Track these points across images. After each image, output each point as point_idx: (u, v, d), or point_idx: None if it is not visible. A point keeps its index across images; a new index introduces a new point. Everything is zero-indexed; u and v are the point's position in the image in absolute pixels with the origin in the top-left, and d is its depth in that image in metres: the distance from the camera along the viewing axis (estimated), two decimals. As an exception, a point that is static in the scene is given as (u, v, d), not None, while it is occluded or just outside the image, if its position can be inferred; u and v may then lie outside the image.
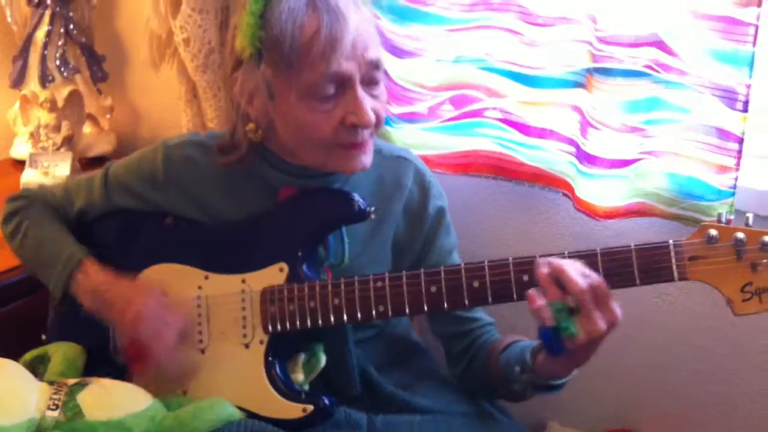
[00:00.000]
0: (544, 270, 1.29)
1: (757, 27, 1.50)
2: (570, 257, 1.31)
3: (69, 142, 2.47)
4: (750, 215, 1.28)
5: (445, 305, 1.38)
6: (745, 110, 1.56)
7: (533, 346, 1.42)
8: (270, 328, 1.45)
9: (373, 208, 1.47)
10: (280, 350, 1.47)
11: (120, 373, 1.50)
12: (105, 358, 1.57)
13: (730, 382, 1.82)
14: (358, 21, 1.37)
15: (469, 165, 1.94)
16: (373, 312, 1.40)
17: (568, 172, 1.81)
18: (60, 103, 2.44)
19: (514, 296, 1.33)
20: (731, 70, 1.55)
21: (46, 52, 2.41)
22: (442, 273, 1.37)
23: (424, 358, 1.69)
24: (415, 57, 1.91)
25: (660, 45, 1.61)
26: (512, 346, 1.51)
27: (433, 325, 1.65)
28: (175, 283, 1.53)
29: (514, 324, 1.45)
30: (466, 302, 1.37)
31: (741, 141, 1.58)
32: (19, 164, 2.49)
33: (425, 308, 1.38)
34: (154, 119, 2.67)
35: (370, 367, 1.58)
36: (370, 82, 1.40)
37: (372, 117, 1.38)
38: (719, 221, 1.28)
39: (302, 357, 1.48)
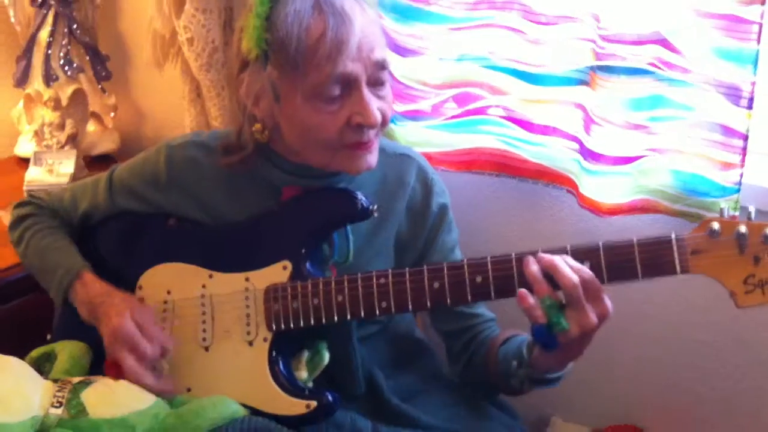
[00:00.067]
0: (533, 267, 1.30)
1: (761, 25, 1.50)
2: (572, 251, 1.32)
3: (73, 140, 2.47)
4: (752, 209, 1.29)
5: (448, 301, 1.38)
6: (750, 107, 1.55)
7: (529, 341, 1.43)
8: (274, 325, 1.45)
9: (376, 206, 1.47)
10: (284, 348, 1.47)
11: (124, 372, 1.50)
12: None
13: (733, 378, 1.82)
14: (364, 23, 1.37)
15: (472, 162, 1.94)
16: (377, 308, 1.40)
17: (572, 169, 1.81)
18: (64, 102, 2.45)
19: (517, 291, 1.33)
20: (735, 68, 1.54)
21: (49, 51, 2.42)
22: (445, 269, 1.38)
23: (427, 358, 1.70)
24: (418, 55, 1.91)
25: (663, 43, 1.61)
26: (510, 340, 1.53)
27: (434, 321, 1.65)
28: (179, 282, 1.53)
29: (515, 319, 1.45)
30: (469, 297, 1.37)
31: (746, 138, 1.57)
32: (24, 162, 2.50)
33: (428, 304, 1.39)
34: (157, 118, 2.68)
35: (377, 370, 1.59)
36: (375, 83, 1.40)
37: (378, 117, 1.39)
38: (721, 215, 1.29)
39: (306, 355, 1.48)
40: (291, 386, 1.44)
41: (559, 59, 1.76)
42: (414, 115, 1.96)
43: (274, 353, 1.46)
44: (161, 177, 1.58)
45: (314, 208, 1.49)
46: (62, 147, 2.44)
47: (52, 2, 2.40)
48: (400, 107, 1.96)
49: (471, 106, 1.90)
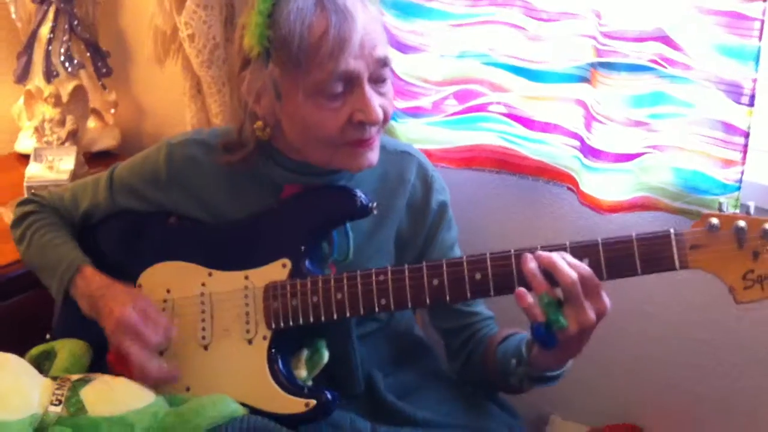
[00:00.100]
0: (531, 264, 1.30)
1: (762, 22, 1.49)
2: (572, 247, 1.32)
3: (73, 136, 2.47)
4: (751, 204, 1.28)
5: (447, 298, 1.38)
6: (751, 104, 1.55)
7: (528, 339, 1.43)
8: (273, 323, 1.45)
9: (375, 204, 1.47)
10: (283, 346, 1.47)
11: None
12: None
13: (731, 377, 1.81)
14: (366, 20, 1.37)
15: (473, 159, 1.94)
16: (376, 306, 1.40)
17: (573, 166, 1.81)
18: (64, 98, 2.45)
19: (516, 288, 1.33)
20: (737, 65, 1.54)
21: (50, 47, 2.41)
22: (444, 266, 1.37)
23: (427, 356, 1.70)
24: (419, 52, 1.91)
25: (665, 39, 1.60)
26: (509, 338, 1.52)
27: (433, 319, 1.65)
28: (179, 280, 1.53)
29: (513, 316, 1.45)
30: (468, 295, 1.37)
31: (747, 135, 1.57)
32: (24, 158, 2.49)
33: (427, 301, 1.39)
34: (158, 114, 2.68)
35: (376, 372, 1.59)
36: (377, 80, 1.40)
37: (380, 114, 1.39)
38: (720, 210, 1.28)
39: (305, 353, 1.48)
40: (290, 385, 1.44)
41: (560, 56, 1.75)
42: (415, 112, 1.96)
43: (273, 352, 1.46)
44: (161, 175, 1.57)
45: (314, 206, 1.49)
46: (62, 143, 2.44)
47: (53, -1, 2.40)
48: (401, 104, 1.95)
49: (472, 103, 1.89)
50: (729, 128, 1.58)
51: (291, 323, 1.44)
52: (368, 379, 1.57)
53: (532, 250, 1.33)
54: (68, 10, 2.41)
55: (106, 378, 1.41)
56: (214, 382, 1.47)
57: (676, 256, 1.28)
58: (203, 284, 1.51)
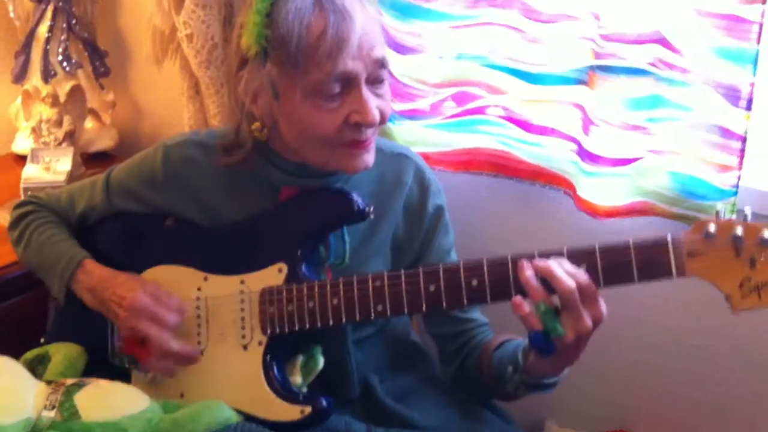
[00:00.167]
0: (528, 273, 1.30)
1: (761, 25, 1.49)
2: (569, 253, 1.31)
3: (71, 137, 2.46)
4: (748, 210, 1.27)
5: (444, 304, 1.37)
6: (749, 108, 1.55)
7: (524, 346, 1.42)
8: (269, 329, 1.45)
9: (372, 208, 1.46)
10: (279, 352, 1.47)
11: (118, 375, 1.49)
12: (103, 360, 1.57)
13: (728, 383, 1.81)
14: (365, 20, 1.37)
15: (470, 162, 1.94)
16: (372, 311, 1.39)
17: (570, 170, 1.81)
18: (62, 98, 2.44)
19: (513, 294, 1.32)
20: (735, 68, 1.54)
21: (48, 47, 2.40)
22: (441, 272, 1.37)
23: (423, 362, 1.69)
24: (417, 53, 1.90)
25: (663, 42, 1.60)
26: (504, 345, 1.52)
27: (428, 324, 1.65)
28: (175, 284, 1.52)
29: (508, 321, 1.45)
30: (465, 301, 1.36)
31: (744, 140, 1.57)
32: (21, 159, 2.48)
33: (424, 307, 1.38)
34: (156, 115, 2.67)
35: (372, 376, 1.58)
36: (375, 81, 1.40)
37: (377, 116, 1.38)
38: (717, 217, 1.27)
39: (300, 359, 1.48)
40: (285, 391, 1.43)
41: (558, 58, 1.75)
42: (412, 114, 1.95)
43: (268, 358, 1.45)
44: (158, 176, 1.57)
45: (310, 210, 1.49)
46: (60, 144, 2.43)
47: (52, -2, 2.39)
48: (399, 106, 1.95)
49: (470, 106, 1.89)
50: (726, 132, 1.58)
51: (287, 329, 1.43)
52: (364, 383, 1.57)
53: (529, 256, 1.32)
54: (66, 9, 2.41)
55: (101, 383, 1.40)
56: (209, 388, 1.47)
57: (673, 264, 1.27)
58: (199, 288, 1.51)
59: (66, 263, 1.55)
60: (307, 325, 1.42)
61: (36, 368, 1.52)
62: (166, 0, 2.16)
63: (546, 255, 1.31)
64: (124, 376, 1.52)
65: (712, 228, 1.25)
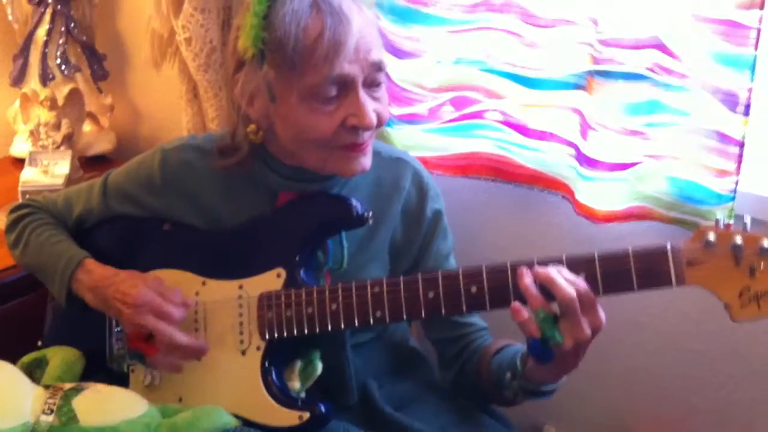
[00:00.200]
0: (527, 280, 1.30)
1: (759, 30, 1.49)
2: (568, 261, 1.31)
3: (69, 140, 2.46)
4: (748, 219, 1.28)
5: (443, 310, 1.37)
6: (747, 114, 1.54)
7: (523, 353, 1.42)
8: (267, 334, 1.45)
9: (371, 213, 1.46)
10: (277, 357, 1.46)
11: (115, 380, 1.49)
12: (101, 365, 1.57)
13: (727, 388, 1.81)
14: (362, 23, 1.37)
15: (468, 167, 1.94)
16: (371, 318, 1.39)
17: (568, 175, 1.81)
18: (60, 102, 2.44)
19: (512, 301, 1.32)
20: (733, 74, 1.54)
21: (46, 50, 2.40)
22: (440, 278, 1.37)
23: (422, 367, 1.69)
24: (415, 58, 1.91)
25: (661, 47, 1.60)
26: (503, 350, 1.52)
27: (426, 329, 1.65)
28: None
29: (508, 326, 1.45)
30: (464, 308, 1.36)
31: (742, 145, 1.57)
32: (19, 162, 2.48)
33: (423, 314, 1.38)
34: (154, 118, 2.67)
35: (371, 382, 1.58)
36: (372, 84, 1.40)
37: (374, 119, 1.38)
38: (717, 225, 1.28)
39: (299, 364, 1.47)
40: (284, 397, 1.43)
41: (557, 63, 1.75)
42: (411, 119, 1.95)
43: (266, 363, 1.45)
44: (156, 180, 1.57)
45: (308, 215, 1.49)
46: (58, 147, 2.43)
47: (50, 0, 2.39)
48: (397, 110, 1.95)
49: (468, 110, 1.89)
50: (724, 138, 1.58)
51: (285, 334, 1.43)
52: (363, 389, 1.57)
53: (528, 264, 1.32)
54: (65, 13, 2.41)
55: (99, 387, 1.40)
56: (207, 393, 1.47)
57: (672, 273, 1.27)
58: (197, 293, 1.51)
59: (66, 263, 1.54)
60: (306, 331, 1.42)
61: (33, 372, 1.51)
62: (165, 3, 2.16)
63: (545, 263, 1.31)
64: (121, 381, 1.52)
65: (711, 237, 1.26)
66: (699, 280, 1.27)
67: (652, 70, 1.62)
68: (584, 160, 1.72)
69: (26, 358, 1.55)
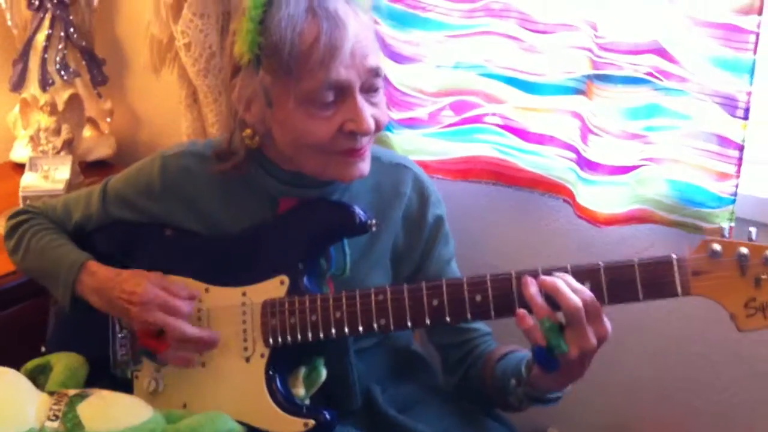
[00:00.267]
0: (532, 289, 1.30)
1: (757, 35, 1.50)
2: (573, 271, 1.31)
3: (69, 145, 2.46)
4: (753, 230, 1.28)
5: (447, 318, 1.37)
6: (746, 117, 1.55)
7: (528, 360, 1.42)
8: (271, 341, 1.45)
9: (374, 221, 1.46)
10: (281, 364, 1.46)
11: (119, 386, 1.50)
12: (105, 371, 1.57)
13: (729, 391, 1.81)
14: (358, 28, 1.36)
15: (468, 171, 1.94)
16: (375, 325, 1.39)
17: (569, 179, 1.81)
18: (60, 107, 2.44)
19: (517, 310, 1.32)
20: (732, 78, 1.54)
21: (46, 55, 2.40)
22: (444, 286, 1.37)
23: (425, 371, 1.70)
24: (414, 63, 1.91)
25: (660, 52, 1.61)
26: (507, 356, 1.52)
27: (430, 335, 1.65)
28: None
29: (512, 331, 1.45)
30: (469, 316, 1.36)
31: (741, 148, 1.57)
32: (19, 167, 2.49)
33: (427, 321, 1.38)
34: (154, 123, 2.67)
35: (374, 386, 1.59)
36: (369, 90, 1.40)
37: (372, 124, 1.38)
38: (722, 235, 1.28)
39: (303, 371, 1.47)
40: (288, 404, 1.43)
41: (556, 68, 1.75)
42: (410, 123, 1.96)
43: (271, 370, 1.45)
44: (156, 186, 1.57)
45: (311, 222, 1.48)
46: (58, 152, 2.43)
47: (49, 5, 2.39)
48: (397, 115, 1.96)
49: (467, 114, 1.89)
50: (724, 141, 1.59)
51: (289, 341, 1.43)
52: (366, 393, 1.57)
53: (533, 273, 1.32)
54: (64, 18, 2.41)
55: (104, 394, 1.41)
56: (212, 400, 1.47)
57: (678, 283, 1.27)
58: (200, 300, 1.50)
59: (69, 266, 1.55)
60: (310, 338, 1.42)
61: (37, 378, 1.52)
62: (164, 9, 2.17)
63: (549, 272, 1.32)
64: (125, 387, 1.52)
65: (717, 247, 1.26)
66: (704, 291, 1.27)
67: (651, 75, 1.63)
68: (585, 163, 1.73)
69: (30, 364, 1.55)
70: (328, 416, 1.42)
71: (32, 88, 2.43)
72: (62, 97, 2.44)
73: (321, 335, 1.41)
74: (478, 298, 1.35)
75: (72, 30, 2.43)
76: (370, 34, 1.42)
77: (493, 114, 1.87)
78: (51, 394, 1.40)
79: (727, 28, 1.52)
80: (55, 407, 1.35)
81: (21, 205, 2.11)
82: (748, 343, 1.74)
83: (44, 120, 2.45)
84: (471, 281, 1.36)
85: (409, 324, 1.39)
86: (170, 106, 2.41)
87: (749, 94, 1.53)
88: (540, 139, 1.83)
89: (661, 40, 1.60)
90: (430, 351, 1.70)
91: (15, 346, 1.63)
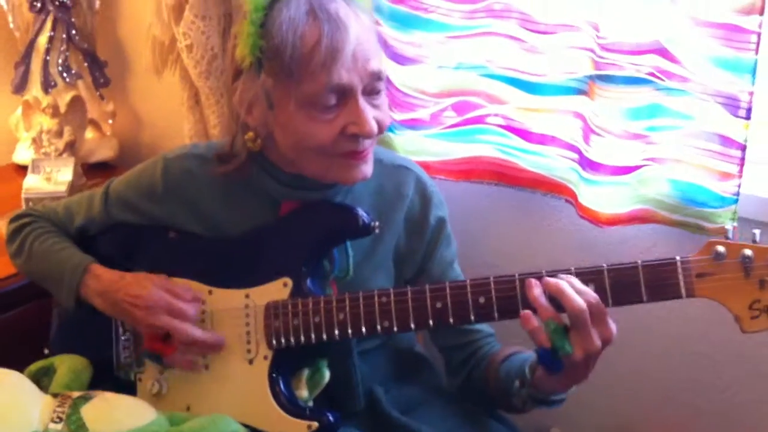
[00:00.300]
0: (536, 291, 1.30)
1: (759, 35, 1.50)
2: (577, 273, 1.31)
3: (71, 147, 2.47)
4: (757, 231, 1.27)
5: (451, 320, 1.37)
6: (748, 117, 1.55)
7: (532, 361, 1.42)
8: (274, 342, 1.45)
9: (377, 223, 1.46)
10: (284, 366, 1.46)
11: (123, 388, 1.50)
12: (108, 373, 1.57)
13: (732, 390, 1.81)
14: (359, 30, 1.36)
15: (471, 171, 1.94)
16: (378, 327, 1.39)
17: (571, 179, 1.81)
18: (62, 109, 2.45)
19: (520, 312, 1.32)
20: (733, 78, 1.54)
21: (48, 57, 2.41)
22: (447, 289, 1.37)
23: (428, 372, 1.70)
24: (416, 64, 1.91)
25: (662, 52, 1.61)
26: (511, 358, 1.52)
27: (433, 336, 1.65)
28: None
29: (514, 333, 1.45)
30: (472, 318, 1.36)
31: (743, 148, 1.57)
32: (22, 170, 2.49)
33: (431, 324, 1.38)
34: (156, 125, 2.67)
35: (377, 387, 1.59)
36: (371, 92, 1.40)
37: (374, 127, 1.38)
38: (726, 236, 1.28)
39: (306, 373, 1.48)
40: (292, 406, 1.43)
41: (558, 68, 1.75)
42: (412, 124, 1.96)
43: (274, 372, 1.45)
44: (158, 188, 1.57)
45: (315, 224, 1.48)
46: (60, 154, 2.44)
47: (51, 8, 2.39)
48: (399, 116, 1.96)
49: (469, 115, 1.89)
50: (726, 141, 1.59)
51: (293, 343, 1.43)
52: (369, 394, 1.57)
53: (537, 276, 1.32)
54: (66, 20, 2.41)
55: (107, 396, 1.41)
56: (215, 402, 1.47)
57: (682, 284, 1.27)
58: (203, 302, 1.51)
59: (72, 269, 1.55)
60: (313, 340, 1.42)
61: (41, 380, 1.52)
62: (166, 11, 2.17)
63: (553, 274, 1.32)
64: (129, 389, 1.52)
65: (721, 249, 1.26)
66: (708, 293, 1.27)
67: (653, 75, 1.63)
68: (587, 164, 1.73)
69: (33, 367, 1.55)
70: (331, 418, 1.42)
71: (34, 90, 2.44)
72: (64, 99, 2.44)
73: (324, 337, 1.41)
74: (482, 300, 1.35)
75: (74, 32, 2.43)
76: (371, 35, 1.41)
77: (495, 114, 1.87)
78: (55, 396, 1.40)
79: (729, 28, 1.52)
80: (59, 409, 1.35)
81: (24, 207, 2.12)
82: (751, 344, 1.73)
83: (46, 122, 2.46)
84: (474, 283, 1.36)
85: (412, 326, 1.39)
86: (172, 108, 2.41)
87: (751, 93, 1.53)
88: (542, 140, 1.83)
89: (662, 40, 1.60)
90: (433, 352, 1.70)
91: (17, 349, 1.63)
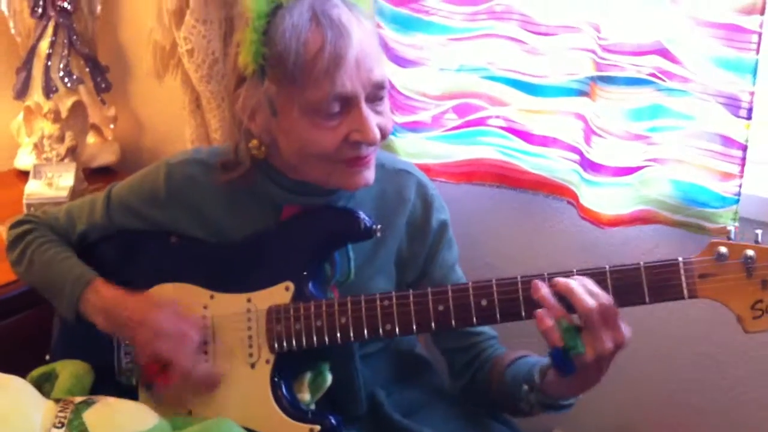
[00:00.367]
0: (544, 290, 1.29)
1: (760, 35, 1.50)
2: (579, 275, 1.31)
3: (73, 152, 2.47)
4: (759, 232, 1.27)
5: (453, 323, 1.37)
6: (749, 117, 1.55)
7: (541, 365, 1.42)
8: (276, 346, 1.44)
9: (379, 226, 1.46)
10: (286, 370, 1.46)
11: (124, 393, 1.50)
12: (110, 378, 1.57)
13: (735, 390, 1.81)
14: (362, 35, 1.36)
15: (472, 173, 1.94)
16: (380, 330, 1.39)
17: (572, 180, 1.81)
18: (64, 114, 2.45)
19: (523, 314, 1.33)
20: (734, 78, 1.54)
21: (49, 62, 2.42)
22: (450, 292, 1.37)
23: (429, 375, 1.70)
24: (418, 66, 1.91)
25: (663, 53, 1.61)
26: (518, 362, 1.51)
27: (435, 339, 1.64)
28: (181, 302, 1.51)
29: (515, 335, 1.45)
30: (475, 320, 1.36)
31: (745, 148, 1.57)
32: (24, 175, 2.50)
33: (433, 326, 1.38)
34: (157, 129, 2.68)
35: (379, 390, 1.58)
36: (374, 99, 1.39)
37: (377, 134, 1.38)
38: (728, 236, 1.28)
39: (308, 376, 1.48)
40: (294, 410, 1.43)
41: (559, 69, 1.75)
42: (414, 127, 1.96)
43: (276, 376, 1.45)
44: (160, 194, 1.57)
45: (316, 228, 1.49)
46: (62, 160, 2.44)
47: (52, 13, 2.40)
48: (400, 118, 1.96)
49: (471, 117, 1.89)
50: (727, 141, 1.59)
51: (294, 346, 1.43)
52: (371, 398, 1.57)
53: (539, 277, 1.32)
54: (67, 25, 2.42)
55: (109, 401, 1.40)
56: (217, 406, 1.47)
57: (684, 286, 1.27)
58: (205, 307, 1.50)
59: (73, 282, 1.54)
60: (315, 344, 1.42)
61: (43, 386, 1.51)
62: (167, 15, 2.17)
63: (555, 276, 1.31)
64: (130, 394, 1.52)
65: (723, 249, 1.26)
66: (711, 293, 1.27)
67: (654, 75, 1.62)
68: (588, 165, 1.72)
69: (35, 372, 1.55)
70: (333, 421, 1.42)
71: (36, 95, 2.45)
72: (66, 104, 2.45)
73: (326, 341, 1.41)
74: (484, 302, 1.35)
75: (75, 37, 2.44)
76: (374, 41, 1.41)
77: (497, 116, 1.87)
78: (57, 401, 1.40)
79: (730, 29, 1.52)
80: (61, 414, 1.35)
81: (25, 212, 2.12)
82: (754, 343, 1.73)
83: (48, 127, 2.46)
84: (476, 286, 1.36)
85: (414, 329, 1.38)
86: (173, 112, 2.41)
87: (752, 94, 1.53)
88: (543, 141, 1.83)
89: (663, 40, 1.60)
90: (435, 354, 1.70)
91: (19, 355, 1.62)
